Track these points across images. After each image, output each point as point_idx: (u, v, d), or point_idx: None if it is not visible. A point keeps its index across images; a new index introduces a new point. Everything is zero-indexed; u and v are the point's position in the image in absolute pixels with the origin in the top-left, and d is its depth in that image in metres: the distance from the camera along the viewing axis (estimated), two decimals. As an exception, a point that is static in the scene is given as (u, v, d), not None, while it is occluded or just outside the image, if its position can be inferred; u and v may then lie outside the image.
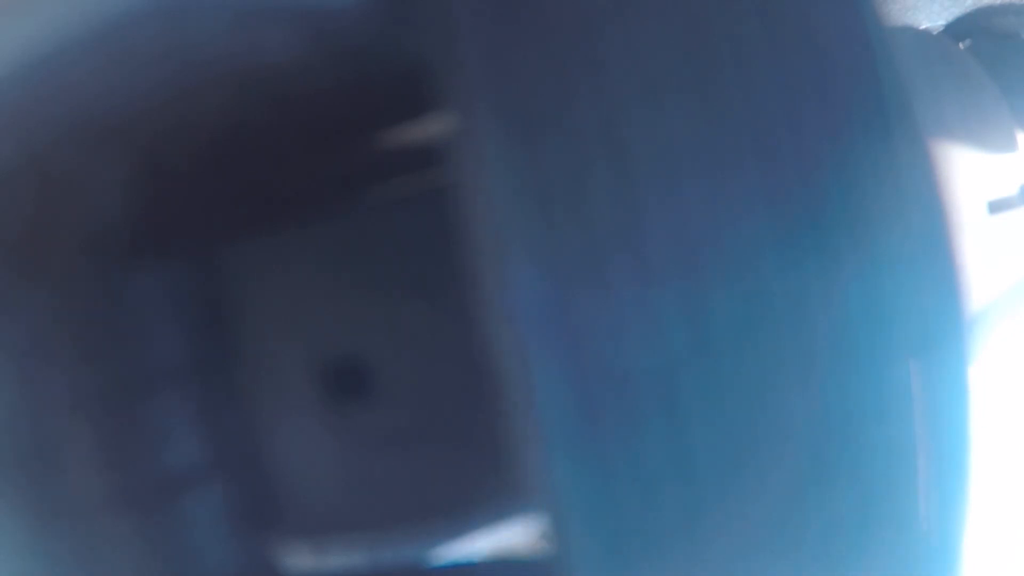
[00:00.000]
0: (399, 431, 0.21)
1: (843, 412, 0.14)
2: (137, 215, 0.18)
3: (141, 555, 0.19)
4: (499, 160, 0.13)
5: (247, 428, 0.21)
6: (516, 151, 0.13)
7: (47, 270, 0.18)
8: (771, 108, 0.14)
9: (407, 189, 0.21)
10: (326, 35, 0.15)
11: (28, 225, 0.18)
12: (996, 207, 0.27)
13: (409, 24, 0.15)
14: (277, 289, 0.21)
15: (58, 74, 0.15)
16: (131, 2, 0.15)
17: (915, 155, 0.14)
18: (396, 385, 0.20)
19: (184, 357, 0.20)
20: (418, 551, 0.22)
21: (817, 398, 0.14)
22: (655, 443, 0.13)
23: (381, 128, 0.19)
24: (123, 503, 0.18)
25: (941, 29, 0.39)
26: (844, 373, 0.14)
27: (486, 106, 0.13)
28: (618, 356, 0.13)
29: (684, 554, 0.14)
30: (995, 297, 0.27)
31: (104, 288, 0.19)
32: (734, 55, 0.14)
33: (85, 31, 0.15)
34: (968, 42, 0.36)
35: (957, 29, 0.38)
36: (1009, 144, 0.29)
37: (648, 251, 0.13)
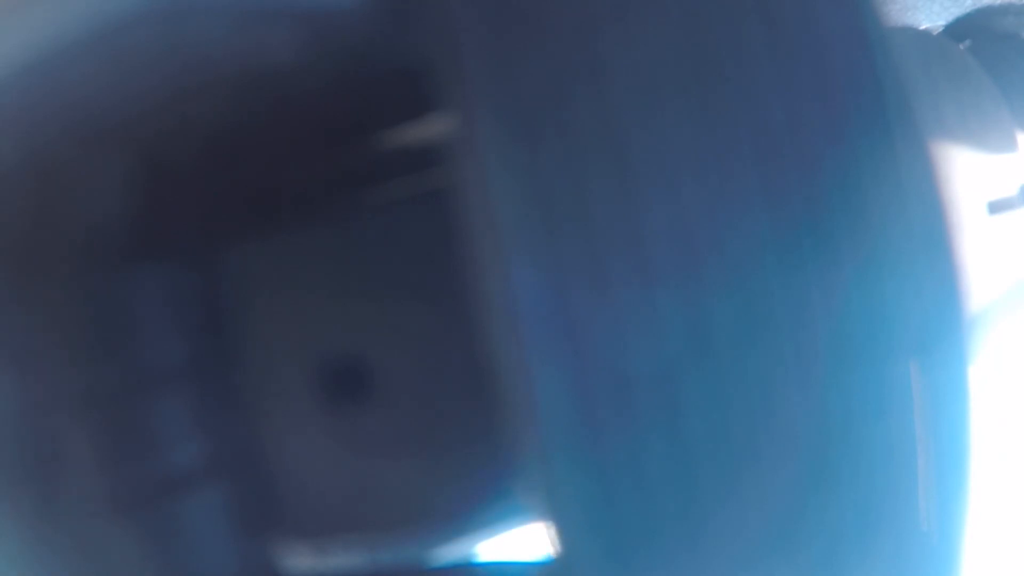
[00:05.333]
0: (399, 432, 0.21)
1: (844, 412, 0.14)
2: (137, 215, 0.18)
3: (141, 556, 0.19)
4: (499, 161, 0.13)
5: (247, 429, 0.21)
6: (516, 152, 0.13)
7: (46, 270, 0.18)
8: (771, 109, 0.14)
9: (407, 190, 0.21)
10: (326, 36, 0.15)
11: (27, 225, 0.18)
12: (996, 207, 0.27)
13: (409, 25, 0.15)
14: (277, 290, 0.21)
15: (58, 74, 0.15)
16: (131, 3, 0.15)
17: (915, 155, 0.14)
18: (396, 387, 0.20)
19: (184, 358, 0.20)
20: (418, 552, 0.22)
21: (818, 399, 0.14)
22: (656, 445, 0.13)
23: (381, 129, 0.19)
24: (123, 504, 0.18)
25: (941, 29, 0.39)
26: (844, 374, 0.14)
27: (486, 107, 0.13)
28: (618, 358, 0.13)
29: (685, 556, 0.14)
30: (995, 297, 0.27)
31: (104, 288, 0.19)
32: (734, 56, 0.14)
33: (85, 31, 0.15)
34: (968, 42, 0.36)
35: (957, 29, 0.38)
36: (1009, 144, 0.29)
37: (648, 253, 0.13)
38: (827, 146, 0.14)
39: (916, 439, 0.14)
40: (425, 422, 0.20)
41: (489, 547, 0.23)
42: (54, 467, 0.18)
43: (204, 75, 0.15)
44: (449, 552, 0.22)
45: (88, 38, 0.15)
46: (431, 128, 0.18)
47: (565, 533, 0.14)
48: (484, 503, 0.21)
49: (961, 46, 0.35)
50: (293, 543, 0.21)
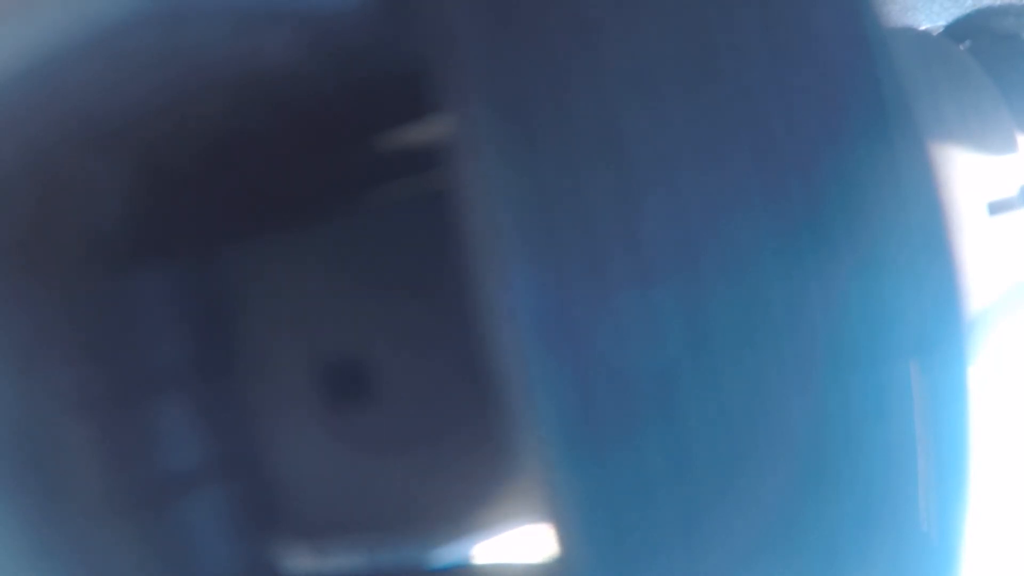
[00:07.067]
0: (399, 432, 0.21)
1: (843, 412, 0.14)
2: (138, 217, 0.18)
3: (142, 556, 0.19)
4: (498, 161, 0.13)
5: (247, 429, 0.21)
6: (515, 152, 0.13)
7: (49, 272, 0.18)
8: (770, 108, 0.14)
9: (407, 191, 0.21)
10: (325, 38, 0.15)
11: (29, 227, 0.18)
12: (996, 208, 0.27)
13: (408, 27, 0.15)
14: (278, 291, 0.21)
15: (59, 77, 0.15)
16: (132, 6, 0.15)
17: (915, 156, 0.14)
18: (396, 386, 0.20)
19: (185, 358, 0.20)
20: (418, 553, 0.22)
21: (816, 398, 0.14)
22: (654, 444, 0.13)
23: (381, 130, 0.19)
24: (124, 504, 0.18)
25: (941, 30, 0.39)
26: (844, 373, 0.14)
27: (484, 107, 0.13)
28: (617, 356, 0.13)
29: (684, 555, 0.14)
30: (995, 297, 0.27)
31: (105, 289, 0.19)
32: (733, 55, 0.14)
33: (86, 34, 0.15)
34: (968, 43, 0.36)
35: (957, 30, 0.38)
36: (1009, 145, 0.29)
37: (647, 251, 0.13)
38: (826, 146, 0.14)
39: (916, 439, 0.14)
40: (425, 422, 0.20)
41: (489, 547, 0.23)
42: (55, 468, 0.18)
43: (204, 78, 0.15)
44: (449, 552, 0.22)
45: (88, 42, 0.15)
46: (430, 129, 0.18)
47: (565, 533, 0.14)
48: (484, 503, 0.21)
49: (961, 46, 0.35)
50: (293, 543, 0.21)
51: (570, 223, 0.13)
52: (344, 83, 0.16)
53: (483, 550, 0.23)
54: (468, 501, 0.21)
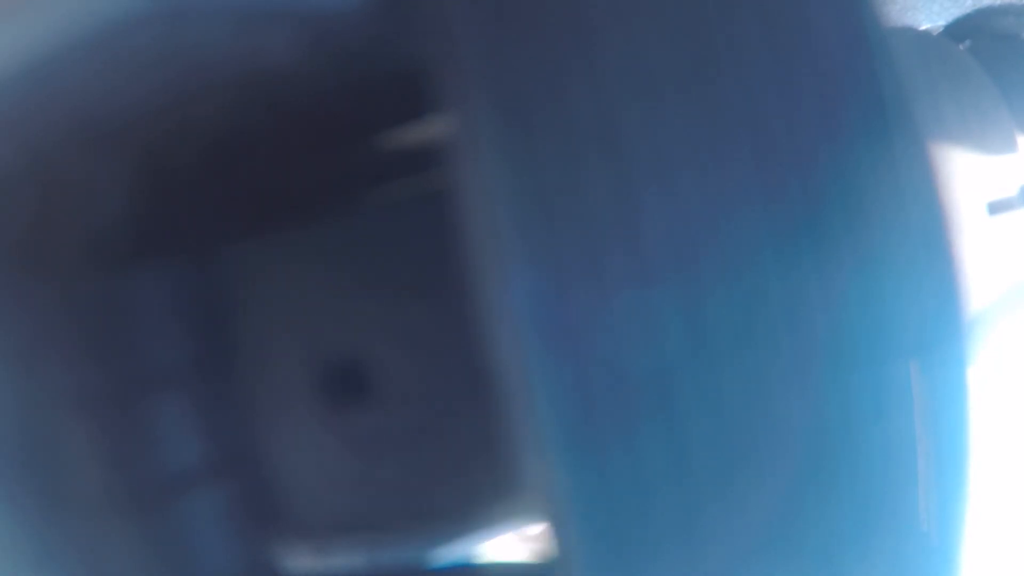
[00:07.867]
0: (399, 432, 0.21)
1: (842, 412, 0.14)
2: (139, 216, 0.18)
3: (142, 555, 0.19)
4: (497, 160, 0.13)
5: (247, 429, 0.21)
6: (514, 151, 0.13)
7: (50, 271, 0.18)
8: (769, 108, 0.14)
9: (407, 190, 0.21)
10: (326, 38, 0.15)
11: (30, 226, 0.18)
12: (996, 208, 0.27)
13: (408, 27, 0.15)
14: (278, 290, 0.21)
15: (60, 77, 0.15)
16: (133, 5, 0.15)
17: (914, 156, 0.14)
18: (396, 386, 0.20)
19: (185, 358, 0.20)
20: (418, 552, 0.22)
21: (816, 398, 0.14)
22: (653, 443, 0.13)
23: (381, 130, 0.19)
24: (124, 503, 0.18)
25: (941, 29, 0.39)
26: (843, 373, 0.14)
27: (483, 106, 0.13)
28: (616, 355, 0.13)
29: (682, 555, 0.14)
30: (995, 298, 0.27)
31: (106, 289, 0.19)
32: (732, 54, 0.14)
33: (87, 34, 0.15)
34: (968, 43, 0.36)
35: (957, 30, 0.37)
36: (1009, 145, 0.29)
37: (645, 250, 0.13)
38: (825, 145, 0.14)
39: (916, 439, 0.14)
40: (425, 422, 0.20)
41: (488, 548, 0.23)
42: (55, 468, 0.18)
43: (205, 78, 0.15)
44: (449, 552, 0.22)
45: (89, 42, 0.15)
46: (430, 129, 0.18)
47: (564, 533, 0.14)
48: (484, 503, 0.21)
49: (961, 46, 0.35)
50: (293, 543, 0.21)
51: (569, 223, 0.13)
52: (344, 83, 0.16)
53: (483, 550, 0.23)
54: (468, 501, 0.21)
